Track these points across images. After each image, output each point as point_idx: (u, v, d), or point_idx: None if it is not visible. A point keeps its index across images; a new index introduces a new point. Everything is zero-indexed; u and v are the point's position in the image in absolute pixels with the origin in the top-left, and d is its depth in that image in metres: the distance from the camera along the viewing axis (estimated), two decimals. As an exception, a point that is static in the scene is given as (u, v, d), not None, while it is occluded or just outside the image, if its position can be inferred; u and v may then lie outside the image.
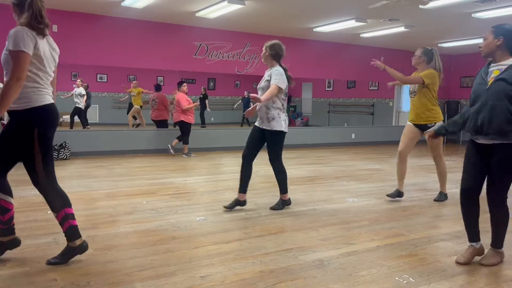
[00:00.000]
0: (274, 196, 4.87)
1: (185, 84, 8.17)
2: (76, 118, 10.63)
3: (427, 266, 2.89)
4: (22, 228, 3.48)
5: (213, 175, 6.43)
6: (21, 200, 4.46)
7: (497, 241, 2.93)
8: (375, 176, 6.58)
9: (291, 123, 14.53)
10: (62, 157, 7.44)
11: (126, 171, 6.49)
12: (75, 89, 10.47)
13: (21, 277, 2.55)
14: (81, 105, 10.41)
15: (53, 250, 3.02)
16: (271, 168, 4.37)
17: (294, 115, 14.75)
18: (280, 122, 4.15)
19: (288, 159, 8.27)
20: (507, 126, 2.65)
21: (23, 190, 4.91)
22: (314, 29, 8.83)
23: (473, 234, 2.96)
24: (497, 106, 2.67)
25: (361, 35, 9.41)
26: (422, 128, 4.64)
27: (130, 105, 10.95)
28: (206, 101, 12.94)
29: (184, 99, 8.02)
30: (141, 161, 7.47)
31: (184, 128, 8.16)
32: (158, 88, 9.19)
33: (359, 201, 4.79)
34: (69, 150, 7.59)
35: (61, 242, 3.20)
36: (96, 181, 5.62)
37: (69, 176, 5.98)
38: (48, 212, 4.00)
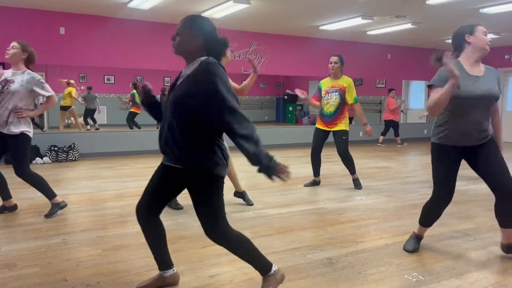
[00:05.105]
0: (282, 195, 4.88)
1: (393, 90, 10.48)
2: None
3: (436, 264, 2.87)
4: (31, 230, 3.53)
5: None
6: (30, 201, 4.50)
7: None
8: (383, 174, 6.55)
9: (298, 121, 14.46)
10: (71, 158, 7.50)
11: (134, 171, 6.52)
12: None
13: (32, 278, 2.58)
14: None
15: (63, 250, 3.05)
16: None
17: (301, 113, 14.65)
18: None
19: (295, 157, 8.29)
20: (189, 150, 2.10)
21: (32, 192, 4.96)
22: (320, 27, 8.80)
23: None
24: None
25: (367, 33, 9.36)
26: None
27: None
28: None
29: (392, 101, 10.39)
30: (148, 161, 7.50)
31: (395, 125, 10.49)
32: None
33: (367, 199, 4.77)
34: (78, 152, 7.64)
35: (71, 242, 3.23)
36: (104, 182, 5.65)
37: (77, 177, 6.03)
38: (58, 212, 4.04)
